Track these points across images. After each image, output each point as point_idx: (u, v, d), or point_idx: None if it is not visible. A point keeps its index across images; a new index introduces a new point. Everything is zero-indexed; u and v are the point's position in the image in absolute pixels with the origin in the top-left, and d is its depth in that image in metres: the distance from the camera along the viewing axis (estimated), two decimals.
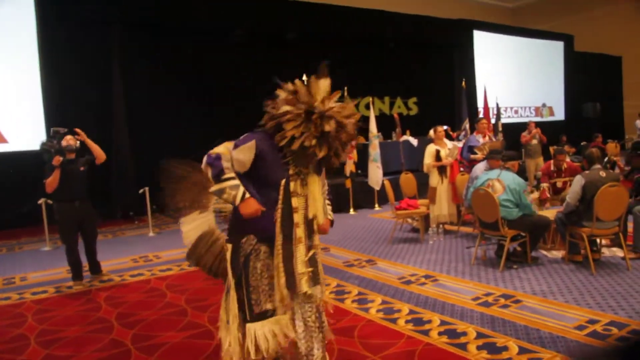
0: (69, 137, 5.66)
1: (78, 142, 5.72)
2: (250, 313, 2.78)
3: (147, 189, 8.74)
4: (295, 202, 2.77)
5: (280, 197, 2.74)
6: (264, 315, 2.78)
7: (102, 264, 6.13)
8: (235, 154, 2.69)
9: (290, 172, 2.76)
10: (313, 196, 2.83)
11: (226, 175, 2.65)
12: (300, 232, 2.79)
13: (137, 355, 3.87)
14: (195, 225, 3.14)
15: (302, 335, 2.86)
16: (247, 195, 2.67)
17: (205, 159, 2.69)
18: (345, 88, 9.16)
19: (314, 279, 2.85)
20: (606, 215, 5.27)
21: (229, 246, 2.85)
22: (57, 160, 5.41)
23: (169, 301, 5.14)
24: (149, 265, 6.65)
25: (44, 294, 5.59)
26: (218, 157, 2.65)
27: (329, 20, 13.10)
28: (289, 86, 2.71)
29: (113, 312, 4.89)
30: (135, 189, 9.25)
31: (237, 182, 2.66)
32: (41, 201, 7.84)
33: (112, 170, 10.29)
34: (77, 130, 5.72)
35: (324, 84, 2.71)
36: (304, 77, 2.85)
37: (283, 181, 2.74)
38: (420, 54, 15.30)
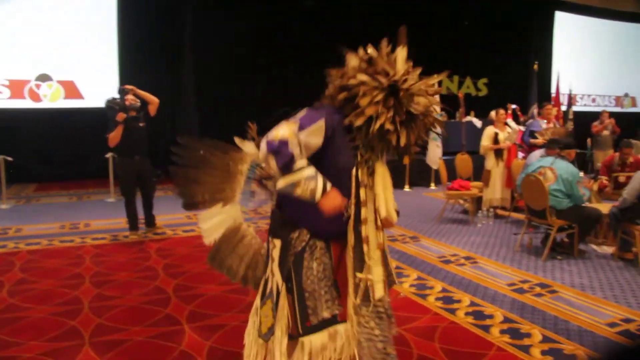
0: (130, 96, 5.94)
1: (139, 101, 6.00)
2: (303, 325, 2.28)
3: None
4: (363, 193, 2.25)
5: (353, 187, 2.25)
6: (321, 326, 2.29)
7: (158, 218, 6.52)
8: (303, 137, 2.12)
9: (358, 157, 2.25)
10: (384, 187, 2.30)
11: (298, 164, 2.08)
12: (369, 230, 2.28)
13: (175, 303, 4.15)
14: (217, 221, 2.57)
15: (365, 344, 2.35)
16: (329, 186, 2.15)
17: (264, 146, 2.10)
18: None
19: (389, 282, 2.43)
20: None
21: (277, 242, 2.35)
22: (121, 116, 5.74)
23: None
24: None
25: (102, 240, 6.03)
26: (284, 143, 2.05)
27: None
28: (362, 53, 2.24)
29: (161, 262, 5.22)
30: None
31: (313, 171, 2.11)
32: (109, 155, 8.32)
33: (177, 131, 10.73)
34: (127, 86, 6.01)
35: (403, 53, 2.22)
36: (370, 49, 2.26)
37: (354, 169, 2.24)
38: (496, 33, 14.79)
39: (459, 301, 4.27)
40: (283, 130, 2.10)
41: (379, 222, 2.31)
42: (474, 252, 5.77)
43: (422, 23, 13.01)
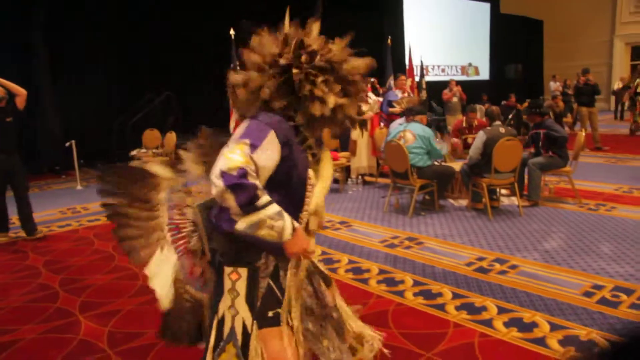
0: None
1: (5, 92, 5.53)
2: None
3: (73, 142, 8.71)
4: (309, 189, 2.06)
5: (309, 193, 2.05)
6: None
7: None
8: (259, 159, 1.82)
9: (310, 158, 2.09)
10: (325, 178, 2.13)
11: (262, 200, 1.79)
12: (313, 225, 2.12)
13: (64, 296, 4.10)
14: (163, 275, 2.07)
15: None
16: (295, 224, 1.89)
17: (219, 180, 1.74)
18: None
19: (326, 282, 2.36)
20: (503, 167, 5.84)
21: (242, 272, 1.99)
22: None
23: (96, 248, 5.34)
24: (77, 216, 6.77)
25: None
26: (243, 174, 1.74)
27: None
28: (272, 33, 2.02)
29: (41, 260, 5.05)
30: (62, 143, 9.18)
31: (277, 207, 1.83)
32: None
33: (37, 124, 10.11)
34: None
35: (317, 26, 2.07)
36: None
37: (309, 172, 2.05)
38: (351, 13, 15.50)
39: (338, 261, 4.67)
40: (236, 157, 1.76)
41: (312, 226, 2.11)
42: (348, 216, 6.24)
43: (278, 8, 13.30)
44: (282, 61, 1.94)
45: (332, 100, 1.95)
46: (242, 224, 1.79)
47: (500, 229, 5.45)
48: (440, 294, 3.85)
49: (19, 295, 4.19)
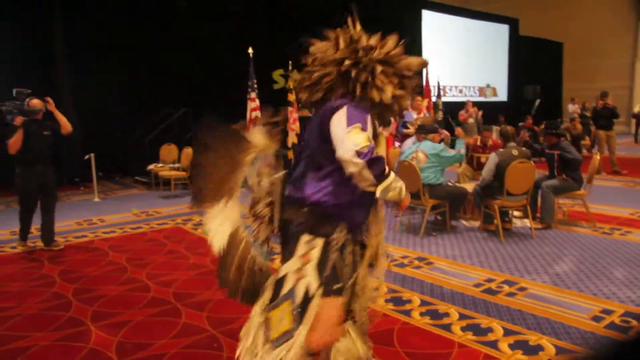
0: (35, 100, 5.65)
1: (43, 105, 5.68)
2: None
3: (92, 155, 8.90)
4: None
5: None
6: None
7: None
8: (370, 137, 2.16)
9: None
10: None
11: (386, 169, 2.15)
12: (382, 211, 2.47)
13: (77, 306, 4.19)
14: (221, 222, 2.36)
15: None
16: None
17: (358, 159, 2.05)
18: (290, 62, 9.47)
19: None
20: (515, 189, 5.83)
21: (319, 241, 2.24)
22: (19, 120, 5.47)
23: (110, 260, 5.44)
24: (93, 228, 6.90)
25: None
26: (372, 150, 2.08)
27: None
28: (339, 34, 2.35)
29: (56, 269, 5.16)
30: (81, 155, 9.38)
31: (393, 173, 2.20)
32: None
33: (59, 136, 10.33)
34: (48, 98, 5.73)
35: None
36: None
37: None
38: (368, 30, 15.64)
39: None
40: (362, 137, 2.09)
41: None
42: None
43: (299, 20, 13.46)
44: (338, 55, 2.28)
45: (389, 89, 2.28)
46: (379, 191, 2.12)
47: (511, 251, 5.44)
48: (447, 314, 3.86)
49: (34, 302, 4.29)
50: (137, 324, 3.81)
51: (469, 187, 6.54)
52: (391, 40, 2.39)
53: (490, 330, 3.57)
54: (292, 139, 10.26)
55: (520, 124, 14.53)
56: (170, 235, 6.42)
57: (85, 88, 10.67)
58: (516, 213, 6.70)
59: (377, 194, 2.13)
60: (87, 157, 8.97)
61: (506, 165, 5.76)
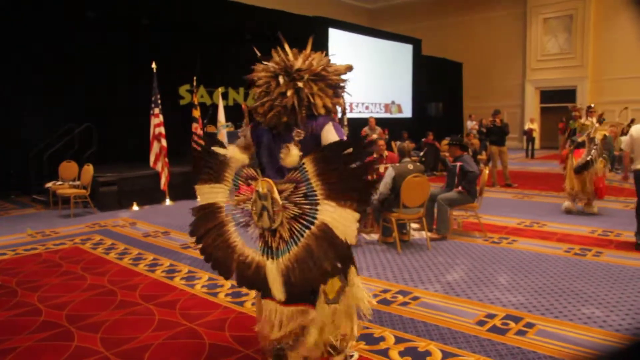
0: None
1: None
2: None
3: None
4: None
5: None
6: None
7: None
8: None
9: None
10: None
11: None
12: None
13: None
14: (205, 193, 3.10)
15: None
16: None
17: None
18: (195, 77, 9.39)
19: None
20: (411, 202, 6.09)
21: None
22: None
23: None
24: None
25: None
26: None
27: (189, 9, 13.14)
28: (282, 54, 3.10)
29: None
30: None
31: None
32: None
33: None
34: None
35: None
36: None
37: None
38: (276, 47, 15.81)
39: (246, 294, 4.69)
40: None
41: None
42: None
43: (208, 37, 13.40)
44: (280, 90, 2.88)
45: (328, 102, 3.07)
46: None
47: (407, 262, 5.65)
48: None
49: None
50: (23, 351, 3.60)
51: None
52: (317, 56, 3.14)
53: (382, 339, 3.69)
54: None
55: (423, 139, 15.18)
56: (66, 256, 6.12)
57: None
58: (414, 225, 6.98)
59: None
60: None
61: (402, 179, 6.00)
